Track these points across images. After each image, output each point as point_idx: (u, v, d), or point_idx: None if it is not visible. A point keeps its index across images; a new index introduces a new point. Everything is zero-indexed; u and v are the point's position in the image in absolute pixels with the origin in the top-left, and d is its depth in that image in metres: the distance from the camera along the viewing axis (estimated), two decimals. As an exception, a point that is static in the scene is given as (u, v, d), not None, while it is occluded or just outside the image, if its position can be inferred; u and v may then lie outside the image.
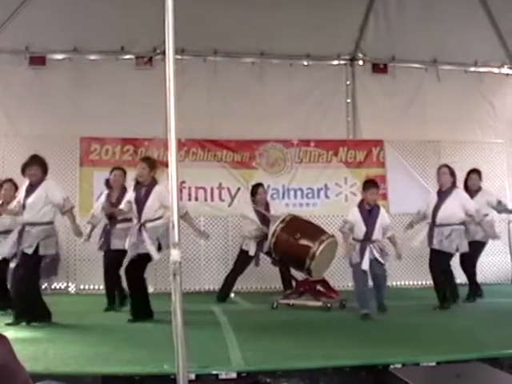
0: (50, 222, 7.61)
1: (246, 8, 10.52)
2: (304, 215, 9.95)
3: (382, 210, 8.35)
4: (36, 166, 7.58)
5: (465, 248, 8.62)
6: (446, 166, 8.98)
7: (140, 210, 7.78)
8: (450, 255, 8.66)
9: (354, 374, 5.01)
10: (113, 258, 8.65)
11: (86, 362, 5.20)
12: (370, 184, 8.37)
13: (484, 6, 11.19)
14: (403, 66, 12.56)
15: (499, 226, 11.33)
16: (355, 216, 8.16)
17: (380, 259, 8.06)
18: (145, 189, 7.85)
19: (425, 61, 12.53)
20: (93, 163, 11.29)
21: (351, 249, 8.12)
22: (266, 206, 10.13)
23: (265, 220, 9.87)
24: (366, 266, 7.94)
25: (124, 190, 8.77)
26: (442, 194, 8.73)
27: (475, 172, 9.91)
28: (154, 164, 8.07)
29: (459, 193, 8.74)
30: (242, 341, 6.13)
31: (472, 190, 9.60)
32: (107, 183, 9.21)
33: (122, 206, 8.07)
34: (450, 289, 8.91)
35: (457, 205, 8.58)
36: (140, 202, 7.81)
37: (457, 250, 8.61)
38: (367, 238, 8.05)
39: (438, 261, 8.62)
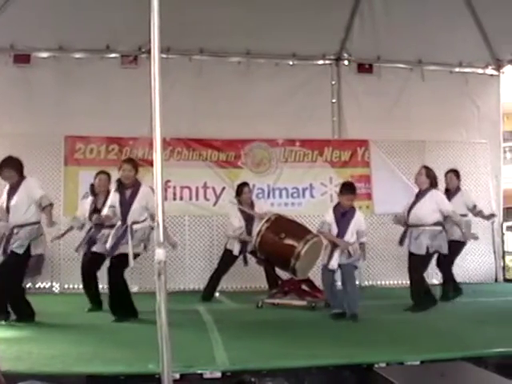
0: (37, 222, 7.58)
1: (232, 7, 10.49)
2: (289, 215, 9.94)
3: (358, 214, 8.17)
4: (8, 169, 7.49)
5: (441, 248, 8.57)
6: (425, 167, 8.98)
7: (126, 212, 7.67)
8: (420, 256, 8.53)
9: (338, 373, 5.02)
10: (92, 260, 8.63)
11: (70, 361, 5.18)
12: (347, 188, 8.25)
13: (469, 7, 11.23)
14: (388, 66, 12.60)
15: (482, 226, 11.42)
16: (330, 217, 8.11)
17: (347, 261, 7.99)
18: (130, 190, 7.76)
19: (410, 61, 12.57)
20: (77, 162, 11.24)
21: (324, 249, 8.13)
22: (251, 206, 10.13)
23: (250, 219, 9.88)
24: (333, 265, 7.90)
25: (109, 194, 8.67)
26: (419, 195, 8.74)
27: (453, 172, 9.95)
28: (137, 165, 8.06)
29: (434, 194, 8.69)
30: (227, 340, 6.13)
31: (452, 190, 9.65)
32: (92, 189, 9.11)
33: (107, 211, 7.90)
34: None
35: (430, 206, 8.55)
36: (125, 204, 7.71)
37: (434, 251, 8.59)
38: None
39: (410, 262, 8.63)
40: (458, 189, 9.82)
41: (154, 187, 4.17)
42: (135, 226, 7.65)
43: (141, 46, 11.28)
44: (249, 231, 9.78)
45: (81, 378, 4.70)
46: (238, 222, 9.87)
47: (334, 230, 8.02)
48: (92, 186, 9.12)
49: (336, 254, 7.91)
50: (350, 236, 7.99)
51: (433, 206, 8.56)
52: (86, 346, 5.91)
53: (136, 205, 7.70)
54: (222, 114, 11.54)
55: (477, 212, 9.91)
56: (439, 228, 8.56)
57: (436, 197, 8.68)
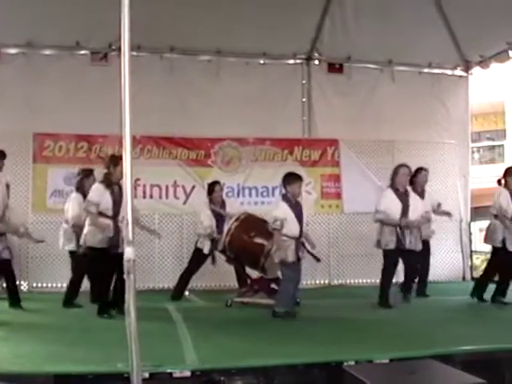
0: None
1: (203, 6, 10.46)
2: (259, 213, 9.95)
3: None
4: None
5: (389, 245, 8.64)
6: (407, 166, 9.08)
7: (118, 208, 7.58)
8: (385, 251, 8.70)
9: (307, 371, 5.04)
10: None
11: (38, 361, 5.15)
12: (296, 176, 8.10)
13: (439, 9, 11.33)
14: (359, 66, 12.66)
15: (450, 226, 11.55)
16: (286, 213, 7.87)
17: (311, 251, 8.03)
18: (117, 186, 7.64)
19: (380, 61, 12.65)
20: (46, 160, 11.14)
21: (286, 247, 7.90)
22: (223, 204, 10.12)
23: (220, 218, 9.88)
24: (303, 264, 7.96)
25: None
26: (405, 196, 8.83)
27: (424, 170, 9.94)
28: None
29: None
30: (197, 339, 6.12)
31: (420, 190, 9.66)
32: (81, 186, 8.99)
33: (91, 209, 7.79)
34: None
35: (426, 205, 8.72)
36: (117, 201, 7.60)
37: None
38: (301, 235, 7.93)
39: (415, 260, 8.77)
40: (424, 189, 9.88)
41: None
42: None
43: (111, 44, 11.18)
44: (219, 230, 9.77)
45: (49, 377, 4.65)
46: (208, 220, 9.85)
47: (296, 226, 7.87)
48: (81, 182, 9.00)
49: (305, 252, 7.94)
50: (305, 228, 8.00)
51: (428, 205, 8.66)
52: (55, 345, 5.87)
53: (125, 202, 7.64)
54: (192, 113, 11.52)
55: (440, 211, 10.02)
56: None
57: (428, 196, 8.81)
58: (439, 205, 9.93)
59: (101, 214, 7.76)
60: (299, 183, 8.03)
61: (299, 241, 7.92)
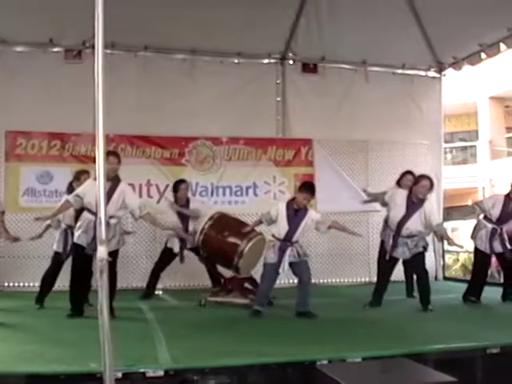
0: None
1: (178, 4, 10.42)
2: (232, 213, 9.97)
3: (310, 212, 8.17)
4: None
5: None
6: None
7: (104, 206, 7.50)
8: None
9: (281, 370, 5.05)
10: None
11: (10, 361, 5.10)
12: (306, 187, 8.21)
13: (413, 10, 11.38)
14: (333, 66, 12.69)
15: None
16: (280, 213, 8.01)
17: (299, 259, 8.01)
18: (109, 184, 7.43)
19: (354, 62, 12.69)
20: (19, 158, 11.02)
21: (269, 246, 8.05)
22: (187, 203, 10.10)
23: (186, 217, 9.89)
24: (283, 269, 7.94)
25: None
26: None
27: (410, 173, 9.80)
28: (120, 158, 7.97)
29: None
30: (170, 338, 6.12)
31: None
32: (71, 189, 8.63)
33: (71, 199, 7.76)
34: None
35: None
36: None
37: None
38: (288, 239, 7.95)
39: (417, 263, 8.80)
40: None
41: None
42: (112, 221, 7.55)
43: (85, 41, 11.06)
44: (185, 228, 9.79)
45: (20, 378, 4.61)
46: (175, 218, 9.85)
47: (285, 228, 7.95)
48: (71, 185, 8.83)
49: (287, 257, 7.93)
50: (299, 235, 8.00)
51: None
52: (27, 345, 5.82)
53: (115, 197, 7.61)
54: (166, 111, 11.45)
55: None
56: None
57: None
58: None
59: (87, 209, 7.67)
60: (304, 195, 8.04)
61: (285, 244, 7.93)
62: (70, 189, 8.69)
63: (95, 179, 7.66)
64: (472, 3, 10.11)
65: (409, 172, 9.60)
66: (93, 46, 4.31)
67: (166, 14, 10.61)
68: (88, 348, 4.97)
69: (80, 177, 8.69)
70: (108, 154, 7.69)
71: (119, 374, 4.50)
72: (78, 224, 7.77)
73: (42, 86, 10.99)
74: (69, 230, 8.56)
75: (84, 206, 7.71)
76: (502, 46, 11.23)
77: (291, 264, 7.95)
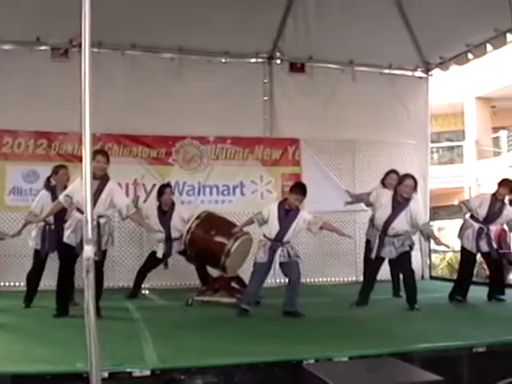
0: None
1: (166, 3, 10.41)
2: (219, 212, 9.97)
3: (302, 212, 8.21)
4: None
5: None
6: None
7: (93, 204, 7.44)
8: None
9: (268, 370, 5.06)
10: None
11: (-5, 360, 5.08)
12: (298, 188, 8.23)
13: (400, 10, 11.40)
14: (320, 65, 12.70)
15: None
16: (272, 213, 8.03)
17: (289, 259, 8.03)
18: (97, 182, 7.43)
19: (341, 61, 12.70)
20: (5, 157, 10.96)
21: (260, 246, 8.08)
22: (172, 207, 10.05)
23: (165, 223, 9.86)
24: (274, 269, 7.93)
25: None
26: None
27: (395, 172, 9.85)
28: (109, 157, 7.94)
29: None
30: (157, 338, 6.11)
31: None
32: (48, 183, 8.80)
33: (62, 200, 7.69)
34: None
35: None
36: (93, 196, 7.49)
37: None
38: (278, 239, 7.95)
39: (406, 262, 8.84)
40: None
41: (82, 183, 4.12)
42: (101, 220, 7.53)
43: (72, 39, 10.99)
44: (168, 235, 9.76)
45: (6, 377, 4.59)
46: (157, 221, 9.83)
47: (276, 228, 7.96)
48: (48, 180, 8.84)
49: (277, 258, 7.94)
50: (290, 236, 8.02)
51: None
52: (13, 345, 5.81)
53: (104, 197, 7.57)
54: (153, 110, 11.41)
55: None
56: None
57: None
58: None
59: (76, 208, 7.61)
60: (296, 196, 8.05)
61: (276, 244, 7.94)
62: (48, 184, 8.72)
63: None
64: (459, 4, 10.14)
65: (393, 171, 9.64)
66: (80, 45, 4.29)
67: (153, 13, 10.57)
68: (74, 348, 4.96)
69: (58, 171, 8.74)
70: (96, 152, 7.70)
71: (105, 374, 4.49)
72: (68, 223, 7.73)
73: (28, 84, 10.93)
74: (47, 227, 8.54)
75: (74, 205, 7.67)
76: (489, 47, 11.28)
77: (281, 264, 7.94)
